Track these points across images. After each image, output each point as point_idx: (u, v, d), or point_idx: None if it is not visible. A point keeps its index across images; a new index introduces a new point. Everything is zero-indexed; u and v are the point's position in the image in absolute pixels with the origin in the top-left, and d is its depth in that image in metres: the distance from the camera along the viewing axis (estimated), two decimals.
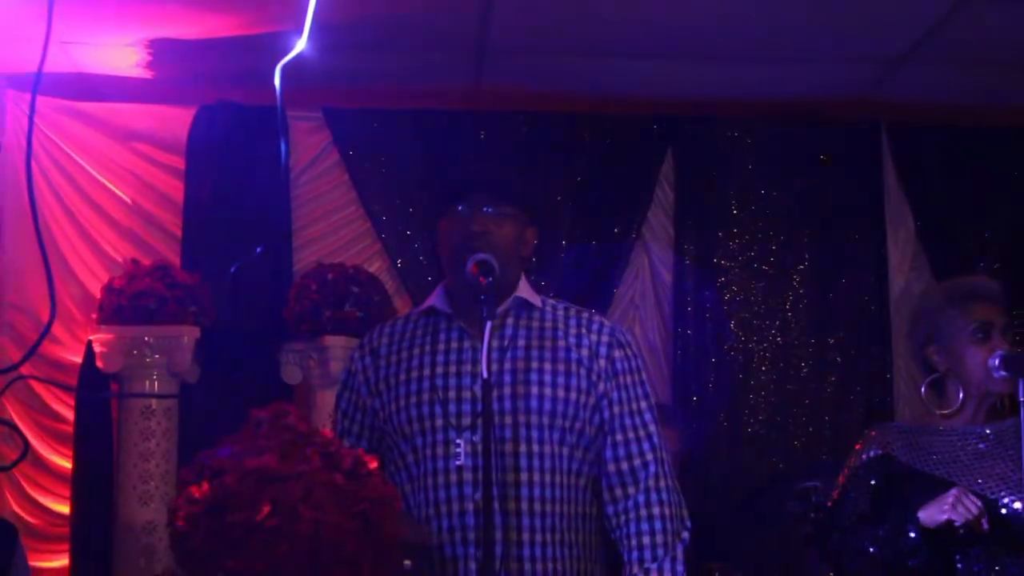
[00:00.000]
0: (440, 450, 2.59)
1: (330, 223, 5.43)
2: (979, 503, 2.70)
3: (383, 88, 5.32)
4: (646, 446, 2.67)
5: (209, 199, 5.25)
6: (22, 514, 5.01)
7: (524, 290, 2.73)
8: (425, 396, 2.62)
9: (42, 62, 2.49)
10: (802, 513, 4.20)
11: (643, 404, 2.70)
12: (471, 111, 5.47)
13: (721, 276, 5.46)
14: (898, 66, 5.08)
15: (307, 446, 2.22)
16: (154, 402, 4.81)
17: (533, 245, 2.76)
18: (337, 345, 4.89)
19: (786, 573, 4.62)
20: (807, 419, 5.39)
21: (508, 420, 2.59)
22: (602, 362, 2.68)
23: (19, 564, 3.08)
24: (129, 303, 4.83)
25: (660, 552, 2.59)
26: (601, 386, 2.67)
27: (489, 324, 2.43)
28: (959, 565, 2.82)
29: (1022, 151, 5.56)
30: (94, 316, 4.96)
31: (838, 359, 5.44)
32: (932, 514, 2.73)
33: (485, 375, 2.41)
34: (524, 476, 2.57)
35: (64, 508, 4.97)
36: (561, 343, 2.68)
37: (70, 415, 5.02)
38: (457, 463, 2.57)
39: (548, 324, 2.71)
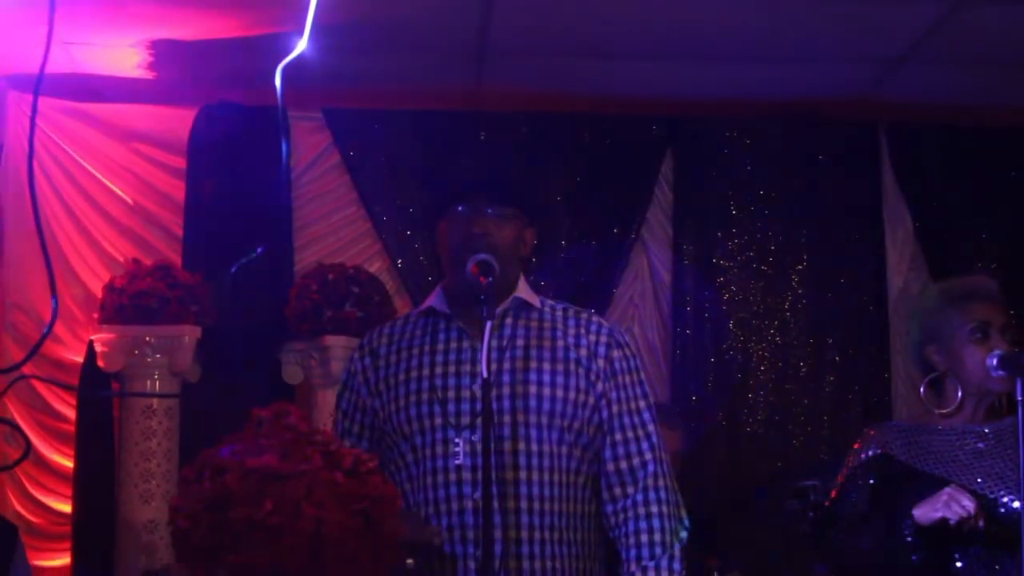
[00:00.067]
0: (439, 449, 2.60)
1: (331, 223, 5.45)
2: (973, 501, 2.70)
3: (383, 89, 5.32)
4: (645, 446, 2.68)
5: (210, 199, 5.26)
6: (24, 513, 5.02)
7: (523, 291, 2.74)
8: (424, 396, 2.63)
9: (44, 63, 2.49)
10: (800, 512, 4.20)
11: (642, 404, 2.71)
12: (471, 111, 5.48)
13: (720, 276, 5.48)
14: (897, 66, 5.09)
15: (308, 445, 2.23)
16: (155, 401, 4.83)
17: (532, 245, 2.77)
18: (338, 345, 4.91)
19: (784, 572, 4.64)
20: (805, 418, 5.41)
21: (507, 419, 2.60)
22: (601, 362, 2.69)
23: (19, 563, 3.08)
24: (130, 303, 4.84)
25: (658, 551, 2.60)
26: (600, 386, 2.68)
27: (489, 324, 2.45)
28: (959, 564, 2.82)
29: (1020, 151, 5.57)
30: (96, 316, 4.98)
31: (836, 358, 5.46)
32: (926, 512, 2.73)
33: (485, 374, 2.42)
34: (523, 475, 2.58)
35: (66, 507, 4.99)
36: (560, 343, 2.69)
37: (72, 414, 5.04)
38: (456, 462, 2.58)
39: (547, 324, 2.72)
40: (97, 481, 4.90)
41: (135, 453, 4.82)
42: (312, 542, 2.11)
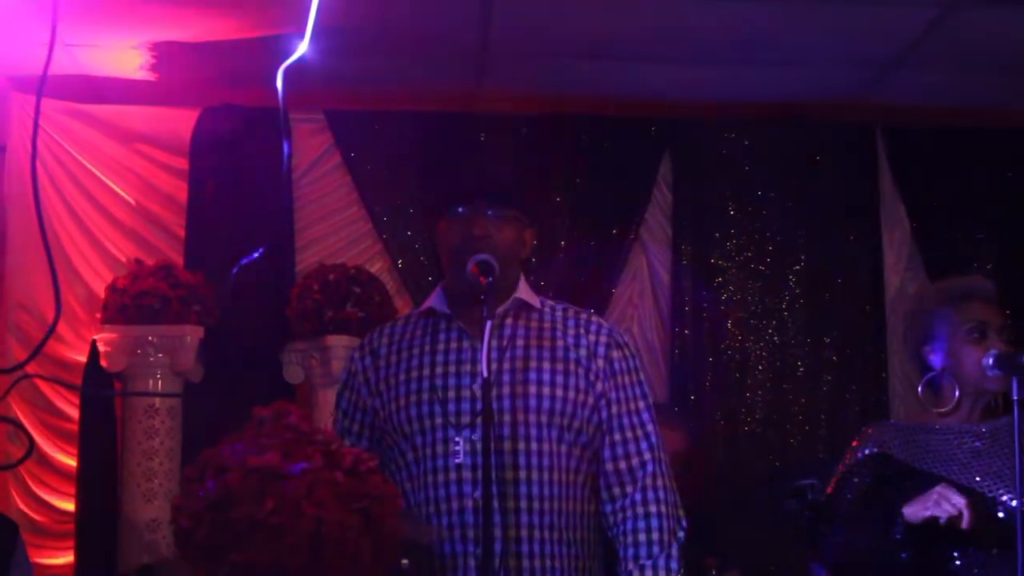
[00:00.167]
0: (439, 448, 2.61)
1: (332, 224, 5.45)
2: (963, 500, 2.70)
3: (384, 90, 5.33)
4: (644, 445, 2.69)
5: (212, 200, 5.28)
6: (28, 511, 5.03)
7: (523, 291, 2.75)
8: (425, 395, 2.65)
9: (47, 65, 2.50)
10: (798, 511, 4.20)
11: (641, 404, 2.72)
12: (471, 113, 5.49)
13: (718, 276, 5.48)
14: (894, 68, 5.10)
15: (309, 444, 2.24)
16: (158, 401, 4.83)
17: (532, 246, 2.79)
18: (339, 345, 4.91)
19: (782, 570, 4.65)
20: (803, 418, 5.41)
21: (507, 419, 2.61)
22: (600, 362, 2.70)
23: (20, 560, 3.08)
24: (133, 303, 4.85)
25: (656, 550, 2.62)
26: (599, 386, 2.69)
27: (489, 324, 2.46)
28: (958, 563, 2.83)
29: (1017, 152, 5.56)
30: (98, 316, 4.98)
31: (834, 358, 5.46)
32: (916, 510, 2.74)
33: (485, 374, 2.43)
34: (523, 474, 2.59)
35: (69, 505, 5.00)
36: (560, 343, 2.70)
37: (75, 413, 5.05)
38: (456, 461, 2.59)
39: (547, 325, 2.73)
40: (100, 480, 4.91)
41: (138, 452, 4.83)
42: (313, 541, 2.12)
